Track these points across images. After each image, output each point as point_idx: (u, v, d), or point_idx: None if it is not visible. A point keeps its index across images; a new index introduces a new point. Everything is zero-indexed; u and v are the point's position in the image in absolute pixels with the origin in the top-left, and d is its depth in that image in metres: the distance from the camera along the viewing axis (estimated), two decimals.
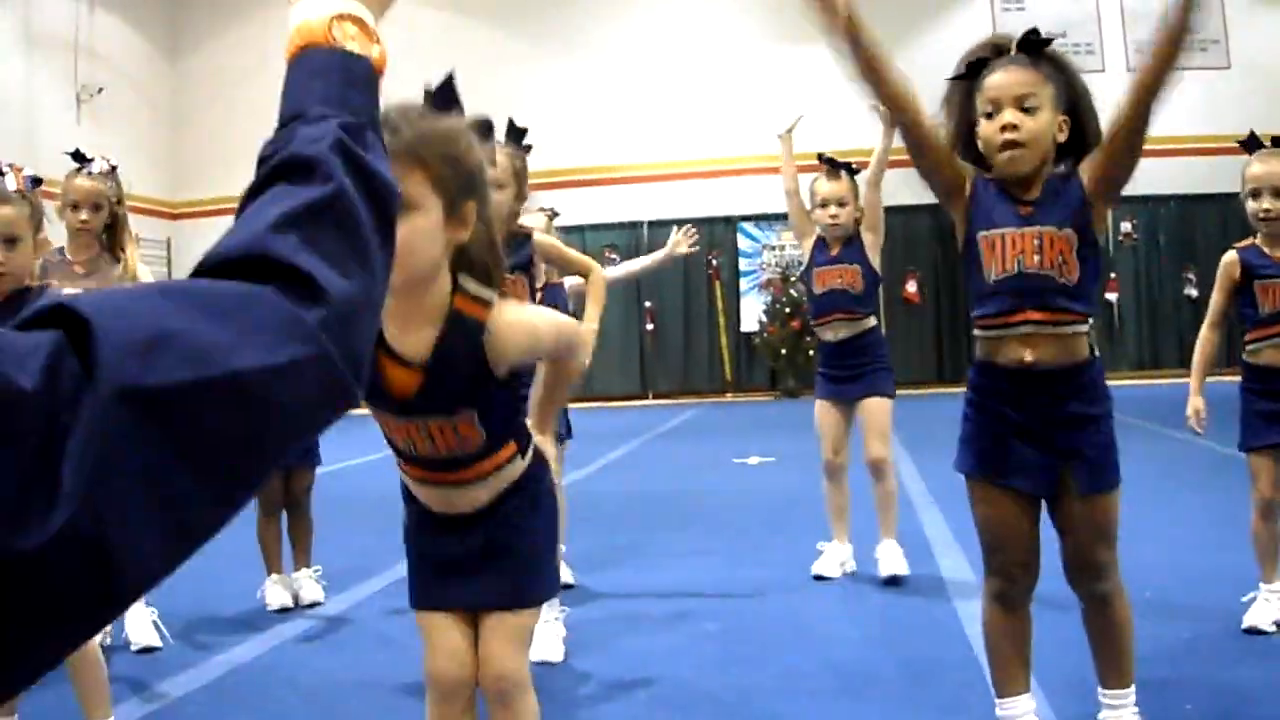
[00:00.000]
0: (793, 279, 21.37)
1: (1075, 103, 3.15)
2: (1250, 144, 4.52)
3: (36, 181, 4.06)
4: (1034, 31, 3.16)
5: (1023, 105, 3.07)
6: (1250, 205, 4.41)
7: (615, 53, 22.52)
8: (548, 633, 4.51)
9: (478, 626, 2.58)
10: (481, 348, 2.34)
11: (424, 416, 2.39)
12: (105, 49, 21.47)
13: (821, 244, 5.90)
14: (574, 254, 4.58)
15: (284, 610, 5.55)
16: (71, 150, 5.14)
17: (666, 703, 4.06)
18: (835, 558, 5.85)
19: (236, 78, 23.57)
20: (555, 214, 6.27)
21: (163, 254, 22.40)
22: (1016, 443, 3.14)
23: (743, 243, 22.40)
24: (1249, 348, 4.51)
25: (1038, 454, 3.12)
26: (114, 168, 5.11)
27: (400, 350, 2.35)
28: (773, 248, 22.27)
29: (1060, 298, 3.10)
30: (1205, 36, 21.34)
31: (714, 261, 22.33)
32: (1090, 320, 3.18)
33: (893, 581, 5.51)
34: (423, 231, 2.23)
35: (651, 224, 22.13)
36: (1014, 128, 3.06)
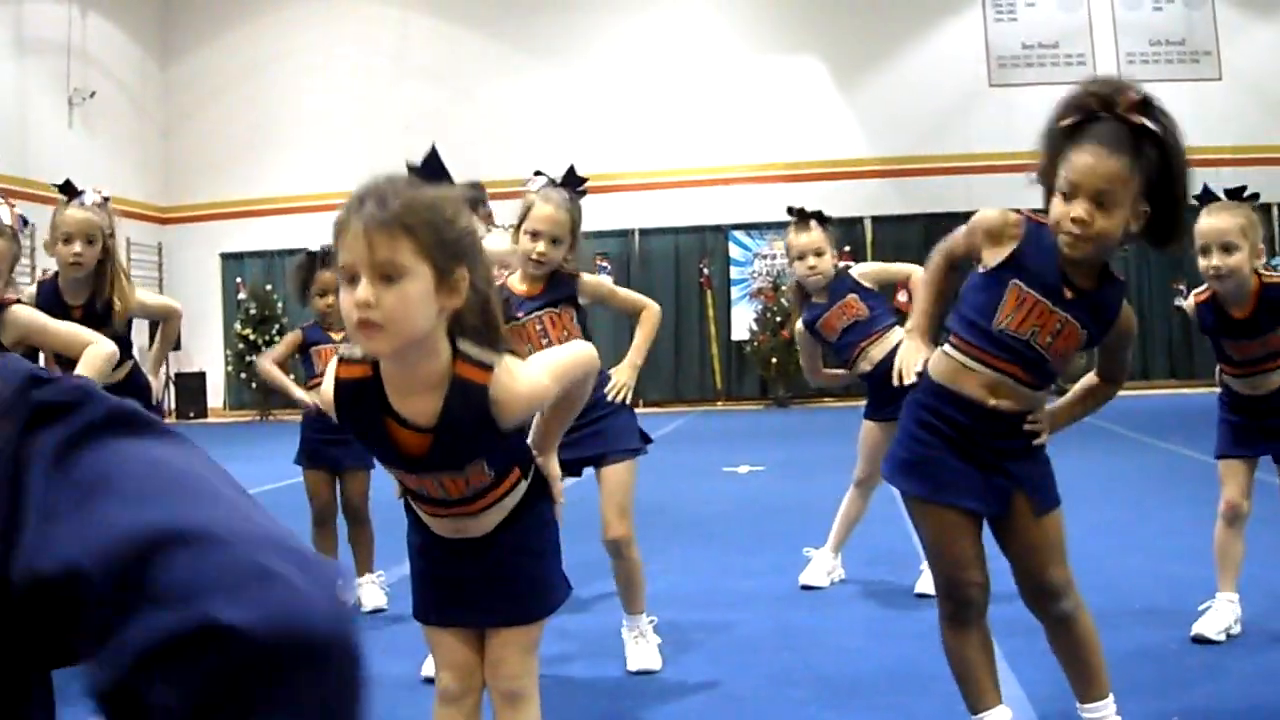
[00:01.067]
0: (784, 288, 21.39)
1: (1166, 187, 2.96)
2: (1204, 197, 4.38)
3: (25, 222, 4.02)
4: (1146, 106, 2.93)
5: (1098, 200, 2.90)
6: (1201, 262, 4.33)
7: (607, 62, 22.55)
8: (642, 645, 4.56)
9: (485, 634, 2.64)
10: (487, 409, 2.39)
11: (436, 472, 2.47)
12: (97, 53, 21.48)
13: (810, 307, 5.74)
14: (625, 293, 4.70)
15: (378, 611, 5.55)
16: (66, 181, 5.02)
17: (656, 711, 4.06)
18: (823, 567, 5.85)
19: (228, 83, 23.61)
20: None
21: (154, 259, 22.39)
22: (968, 465, 3.13)
23: (734, 251, 22.43)
24: (1224, 377, 4.60)
25: (987, 476, 3.13)
26: (106, 199, 4.99)
27: (406, 416, 2.41)
28: (764, 256, 22.30)
29: (1043, 376, 3.13)
30: (1198, 48, 21.44)
31: (705, 270, 22.37)
32: (1051, 389, 3.24)
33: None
34: (413, 298, 2.27)
35: (643, 232, 22.17)
36: (1083, 222, 2.92)
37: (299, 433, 5.89)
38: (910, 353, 3.26)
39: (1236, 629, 4.51)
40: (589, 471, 4.52)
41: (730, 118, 22.09)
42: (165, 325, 5.31)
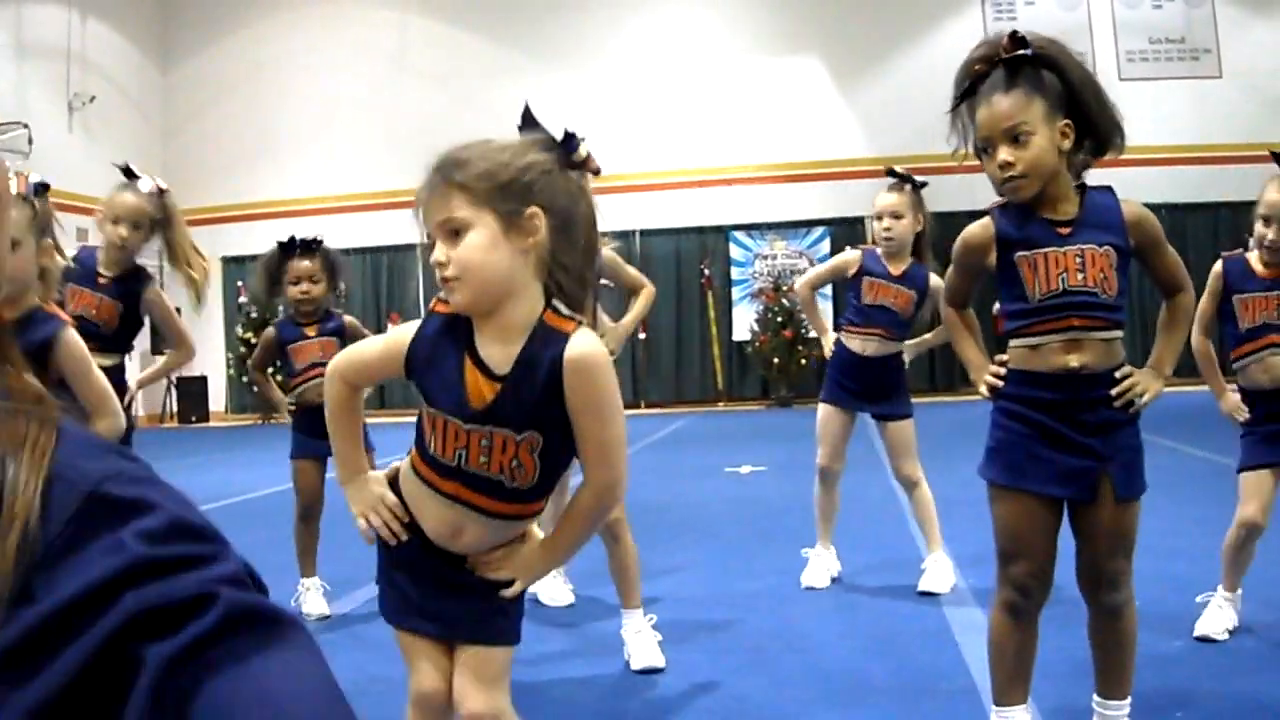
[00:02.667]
0: (785, 288, 21.38)
1: (1074, 96, 3.08)
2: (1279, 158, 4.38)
3: (43, 187, 4.01)
4: (1017, 40, 3.08)
5: (1014, 137, 3.02)
6: (1259, 229, 4.36)
7: (608, 63, 22.55)
8: (644, 641, 4.57)
9: (455, 658, 2.57)
10: (560, 359, 2.34)
11: (494, 426, 2.39)
12: (97, 58, 21.50)
13: (874, 256, 5.74)
14: (630, 269, 4.87)
15: (324, 619, 5.54)
16: (122, 165, 5.13)
17: (659, 712, 4.06)
18: (822, 566, 5.87)
19: (228, 87, 23.62)
20: None
21: (155, 263, 22.37)
22: (1052, 450, 3.12)
23: (735, 252, 22.42)
24: (1235, 367, 4.51)
25: (1077, 459, 3.11)
26: (164, 190, 5.09)
27: (486, 360, 2.39)
28: (765, 257, 22.30)
29: (1101, 311, 3.11)
30: (1198, 46, 21.42)
31: (706, 270, 22.36)
32: (1124, 329, 3.20)
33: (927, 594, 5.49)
34: (478, 248, 2.31)
35: (644, 233, 22.15)
36: (1010, 164, 3.03)
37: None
38: (980, 371, 3.33)
39: (1233, 624, 4.51)
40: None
41: (730, 119, 22.08)
42: (172, 357, 5.33)
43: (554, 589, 5.67)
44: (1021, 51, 3.05)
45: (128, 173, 5.06)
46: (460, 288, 2.32)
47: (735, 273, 22.43)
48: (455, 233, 2.32)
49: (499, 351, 2.38)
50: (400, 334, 2.50)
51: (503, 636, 2.56)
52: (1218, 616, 4.49)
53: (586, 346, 2.36)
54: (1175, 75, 21.44)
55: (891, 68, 21.57)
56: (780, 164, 22.05)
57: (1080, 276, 3.09)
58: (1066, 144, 3.07)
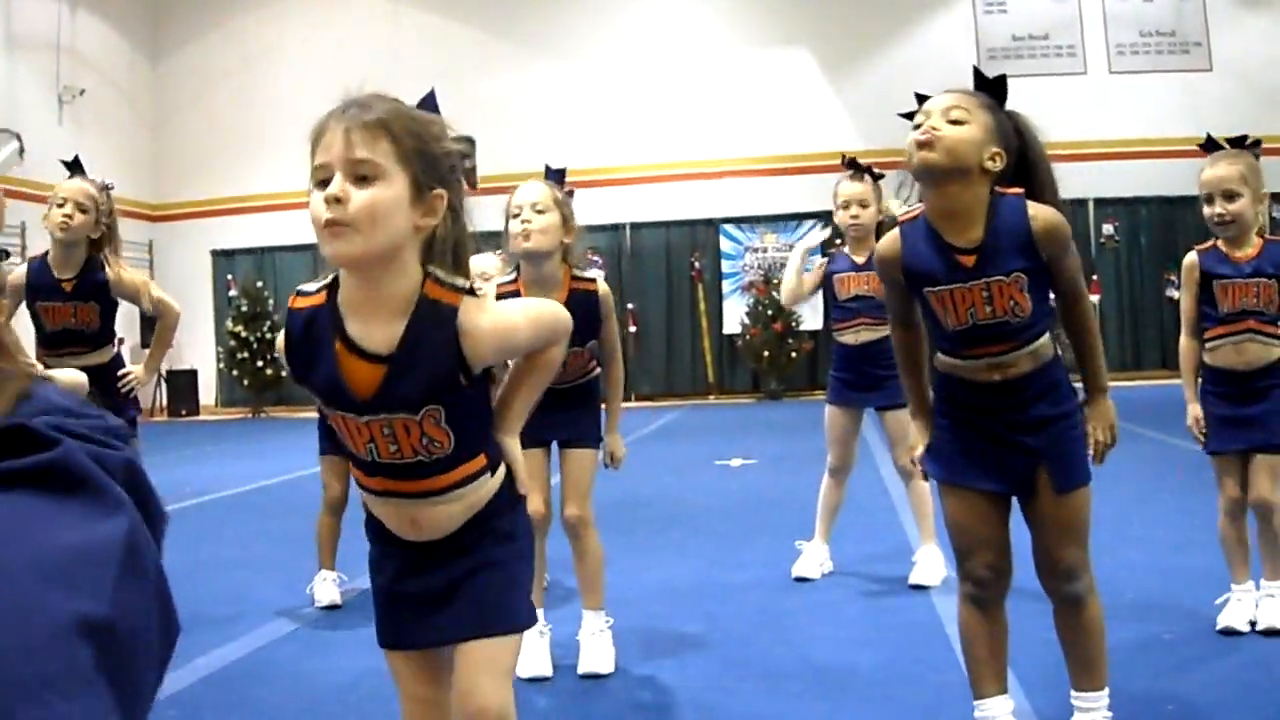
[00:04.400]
0: (775, 281, 21.36)
1: (1023, 151, 3.15)
2: (1208, 146, 4.53)
3: None
4: (1001, 79, 3.19)
5: (949, 118, 3.08)
6: (1205, 210, 4.45)
7: (598, 56, 22.53)
8: (599, 644, 4.50)
9: (455, 661, 2.43)
10: (455, 336, 2.25)
11: (388, 414, 2.28)
12: (87, 51, 21.44)
13: (841, 256, 5.94)
14: (614, 331, 4.56)
15: (333, 607, 5.54)
16: (67, 159, 5.10)
17: (644, 705, 4.07)
18: (814, 558, 5.89)
19: (218, 80, 23.58)
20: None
21: (144, 256, 22.35)
22: (987, 446, 3.15)
23: (725, 245, 22.42)
24: (1208, 345, 4.54)
25: (1010, 455, 3.13)
26: (109, 187, 5.07)
27: (364, 344, 2.27)
28: (755, 250, 22.30)
29: (1016, 334, 3.12)
30: (1187, 39, 21.44)
31: (696, 263, 22.36)
32: (1050, 333, 3.19)
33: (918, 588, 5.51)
34: (385, 201, 2.19)
35: (634, 226, 22.16)
36: (933, 130, 3.06)
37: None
38: (917, 438, 3.35)
39: (1253, 615, 4.53)
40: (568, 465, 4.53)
41: (721, 111, 22.08)
42: (161, 325, 5.31)
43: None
44: (991, 79, 3.21)
45: (74, 165, 5.04)
46: (353, 236, 2.16)
47: (725, 266, 22.43)
48: (364, 178, 2.17)
49: (378, 331, 2.26)
50: (279, 345, 2.41)
51: (504, 623, 2.40)
52: (1238, 610, 4.50)
53: (476, 316, 2.29)
54: (1165, 68, 21.45)
55: (882, 60, 21.56)
56: (770, 157, 22.05)
57: (988, 309, 3.09)
58: (993, 165, 3.08)
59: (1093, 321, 3.28)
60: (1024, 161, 3.15)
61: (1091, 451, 3.19)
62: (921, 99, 3.21)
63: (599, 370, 4.55)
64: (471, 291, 2.33)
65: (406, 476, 2.35)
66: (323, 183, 2.20)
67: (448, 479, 2.35)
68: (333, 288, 2.33)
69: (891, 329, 3.45)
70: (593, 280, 4.41)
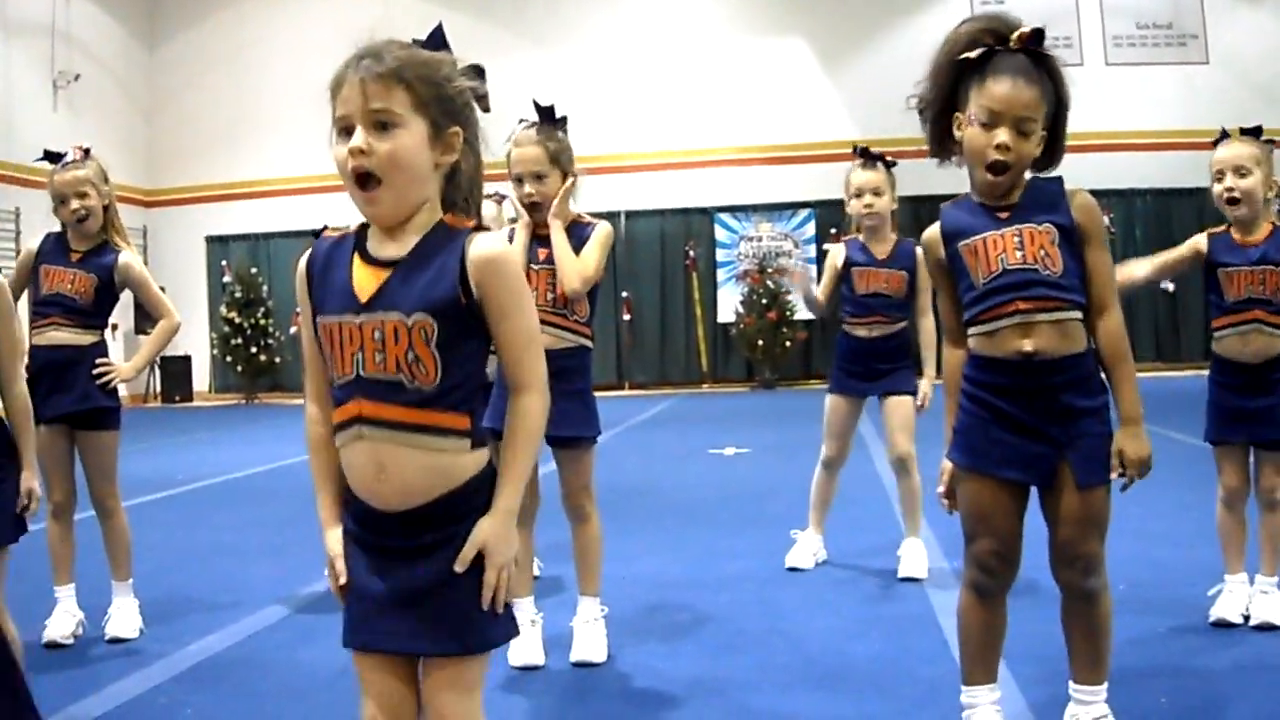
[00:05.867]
0: (770, 270, 21.40)
1: (1056, 116, 3.15)
2: (1220, 140, 4.57)
3: None
4: (1040, 33, 3.11)
5: (1021, 128, 3.06)
6: (1215, 189, 4.47)
7: (594, 44, 22.53)
8: (591, 633, 4.48)
9: (421, 672, 2.37)
10: (462, 256, 2.29)
11: (382, 312, 2.28)
12: (82, 36, 21.41)
13: (858, 245, 5.83)
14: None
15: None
16: (51, 149, 5.09)
17: (637, 694, 4.06)
18: (808, 548, 5.89)
19: (213, 65, 23.55)
20: (503, 197, 5.99)
21: (139, 242, 22.30)
22: (1011, 435, 3.13)
23: (720, 233, 22.44)
24: (1215, 335, 4.56)
25: (1034, 445, 3.12)
26: (86, 150, 5.07)
27: (378, 255, 2.34)
28: (750, 239, 22.32)
29: (1044, 289, 3.10)
30: (1184, 31, 21.44)
31: (691, 252, 22.37)
32: (1082, 311, 3.16)
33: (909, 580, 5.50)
34: (408, 147, 2.28)
35: (629, 214, 22.15)
36: (1007, 149, 3.06)
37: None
38: (947, 475, 3.32)
39: (1246, 607, 4.53)
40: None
41: (716, 100, 22.07)
42: (158, 328, 5.28)
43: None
44: (1038, 50, 3.11)
45: (51, 156, 5.03)
46: (383, 194, 2.28)
47: (720, 254, 22.46)
48: (384, 125, 2.26)
49: (394, 245, 2.34)
50: (299, 276, 2.45)
51: (477, 642, 2.34)
52: (1231, 601, 4.51)
53: (491, 242, 2.33)
54: (1162, 60, 21.47)
55: (878, 50, 21.55)
56: (766, 146, 22.06)
57: (1019, 255, 3.11)
58: (1038, 152, 3.15)
59: (1126, 346, 3.22)
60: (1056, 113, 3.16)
61: (1115, 475, 3.17)
62: (977, 40, 3.15)
63: (590, 342, 4.54)
64: (484, 229, 2.39)
65: (383, 398, 2.30)
66: (345, 131, 2.29)
67: (423, 416, 2.30)
68: (366, 222, 2.41)
69: (945, 348, 3.41)
70: (595, 220, 4.58)
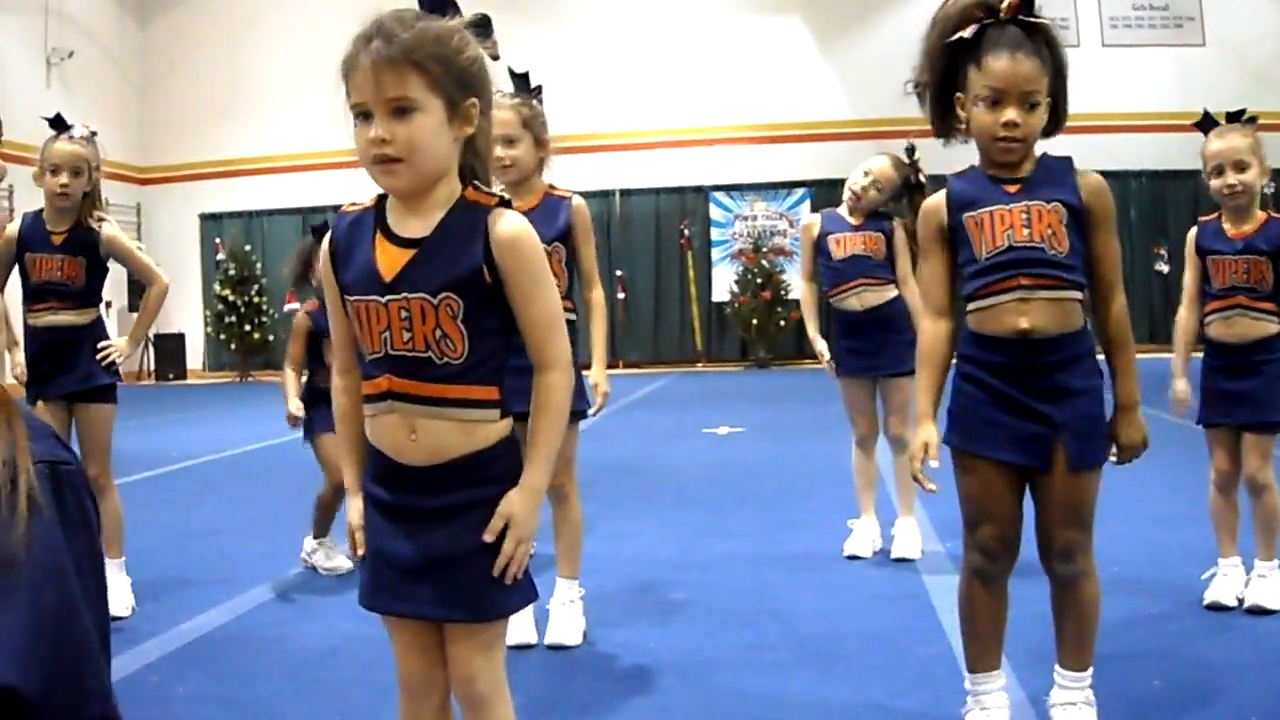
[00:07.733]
0: (765, 249, 21.39)
1: (1056, 82, 3.12)
2: (1205, 124, 4.57)
3: None
4: (1027, 3, 3.08)
5: (1025, 102, 3.04)
6: (1214, 183, 4.47)
7: (590, 22, 22.47)
8: (568, 615, 4.46)
9: (445, 637, 2.44)
10: (485, 232, 2.31)
11: (409, 293, 2.30)
12: (75, 12, 21.32)
13: (833, 216, 5.84)
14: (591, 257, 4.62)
15: (349, 573, 5.43)
16: (49, 116, 5.08)
17: (629, 674, 4.06)
18: (866, 535, 5.77)
19: (206, 42, 23.47)
20: None
21: (133, 219, 22.27)
22: (1007, 416, 3.12)
23: (715, 212, 22.43)
24: (1205, 320, 4.61)
25: (1030, 426, 3.10)
26: (94, 133, 5.07)
27: (400, 233, 2.35)
28: (745, 218, 22.30)
29: (1049, 268, 3.09)
30: (1181, 14, 21.40)
31: (686, 231, 22.36)
32: (1083, 292, 3.15)
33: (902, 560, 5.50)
34: (427, 130, 2.27)
35: (624, 193, 22.14)
36: (1016, 125, 3.04)
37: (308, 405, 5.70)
38: (930, 437, 3.22)
39: (1240, 590, 4.54)
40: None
41: (712, 79, 22.04)
42: (148, 295, 5.26)
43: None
44: (1030, 19, 3.08)
45: (58, 123, 5.02)
46: (403, 171, 2.28)
47: (715, 233, 22.45)
48: (402, 110, 2.26)
49: (416, 222, 2.35)
50: (322, 253, 2.47)
51: (496, 609, 2.39)
52: (1224, 585, 4.52)
53: (514, 220, 2.35)
54: (1158, 42, 21.45)
55: (874, 29, 21.51)
56: (761, 124, 22.03)
57: (1026, 232, 3.09)
58: (1046, 120, 3.12)
59: (1129, 332, 3.23)
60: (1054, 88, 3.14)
61: (1116, 454, 3.17)
62: (968, 17, 3.13)
63: (573, 315, 4.48)
64: (507, 203, 2.39)
65: (414, 375, 2.33)
66: (362, 115, 2.29)
67: (454, 390, 2.33)
68: (383, 195, 2.41)
69: (923, 319, 3.36)
70: (569, 192, 4.52)
